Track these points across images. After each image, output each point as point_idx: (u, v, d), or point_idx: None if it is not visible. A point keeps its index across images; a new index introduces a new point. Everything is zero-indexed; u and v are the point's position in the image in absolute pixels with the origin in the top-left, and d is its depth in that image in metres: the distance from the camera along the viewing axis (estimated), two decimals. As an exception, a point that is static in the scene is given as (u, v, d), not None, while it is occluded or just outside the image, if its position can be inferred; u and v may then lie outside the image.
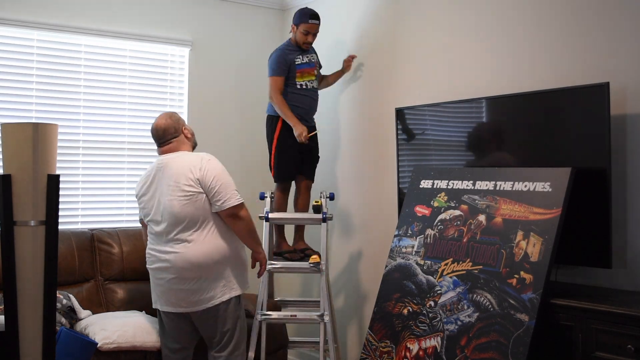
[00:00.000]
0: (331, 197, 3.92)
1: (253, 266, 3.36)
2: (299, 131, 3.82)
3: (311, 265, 3.73)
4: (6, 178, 2.55)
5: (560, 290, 2.87)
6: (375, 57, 4.27)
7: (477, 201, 3.10)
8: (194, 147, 3.40)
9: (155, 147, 4.52)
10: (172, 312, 3.21)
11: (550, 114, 3.06)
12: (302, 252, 3.93)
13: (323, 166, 4.25)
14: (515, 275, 2.83)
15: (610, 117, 2.80)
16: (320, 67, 4.17)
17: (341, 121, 4.53)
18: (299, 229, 4.12)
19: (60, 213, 2.70)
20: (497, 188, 3.05)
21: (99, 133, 4.36)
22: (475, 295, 2.93)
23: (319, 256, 3.74)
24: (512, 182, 3.01)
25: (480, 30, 3.58)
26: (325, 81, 4.32)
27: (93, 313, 3.69)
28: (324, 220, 3.77)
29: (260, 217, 3.85)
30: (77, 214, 4.29)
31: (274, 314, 3.70)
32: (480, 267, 2.97)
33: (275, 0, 5.01)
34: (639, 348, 2.43)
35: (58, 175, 2.64)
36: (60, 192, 2.68)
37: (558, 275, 3.10)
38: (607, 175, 2.80)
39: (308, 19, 3.91)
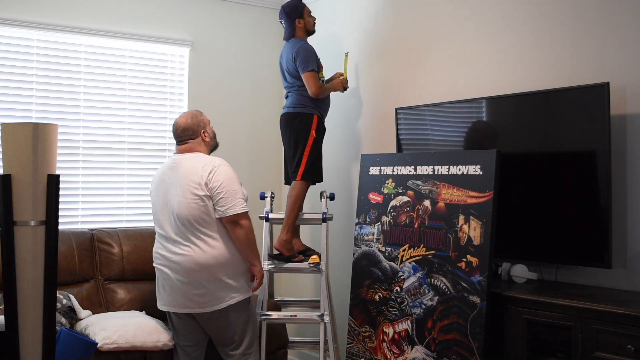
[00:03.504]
0: (331, 197, 3.92)
1: (251, 279, 3.34)
2: (340, 83, 3.96)
3: (311, 265, 3.73)
4: (6, 178, 2.55)
5: (560, 290, 2.87)
6: (375, 57, 4.27)
7: (420, 186, 3.24)
8: (212, 149, 3.43)
9: (154, 147, 4.60)
10: (180, 313, 3.25)
11: (550, 114, 3.06)
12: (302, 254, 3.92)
13: (323, 166, 4.25)
14: (464, 259, 2.96)
15: (610, 117, 2.80)
16: None
17: (341, 121, 4.53)
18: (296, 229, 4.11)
19: (60, 213, 2.70)
20: (436, 172, 3.18)
21: (99, 133, 4.36)
22: (433, 280, 3.08)
23: (319, 256, 3.73)
24: (447, 166, 3.12)
25: (480, 30, 3.58)
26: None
27: (93, 313, 3.69)
28: (324, 220, 3.77)
29: (260, 217, 3.85)
30: (77, 214, 4.29)
31: (274, 314, 3.70)
32: (433, 252, 3.11)
33: (276, 0, 5.01)
34: (639, 348, 2.43)
35: (58, 175, 2.64)
36: (60, 192, 2.68)
37: (558, 275, 3.10)
38: (607, 175, 2.80)
39: (303, 3, 3.98)
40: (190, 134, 3.32)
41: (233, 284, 3.18)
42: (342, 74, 4.03)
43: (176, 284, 3.17)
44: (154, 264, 3.31)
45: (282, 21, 3.97)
